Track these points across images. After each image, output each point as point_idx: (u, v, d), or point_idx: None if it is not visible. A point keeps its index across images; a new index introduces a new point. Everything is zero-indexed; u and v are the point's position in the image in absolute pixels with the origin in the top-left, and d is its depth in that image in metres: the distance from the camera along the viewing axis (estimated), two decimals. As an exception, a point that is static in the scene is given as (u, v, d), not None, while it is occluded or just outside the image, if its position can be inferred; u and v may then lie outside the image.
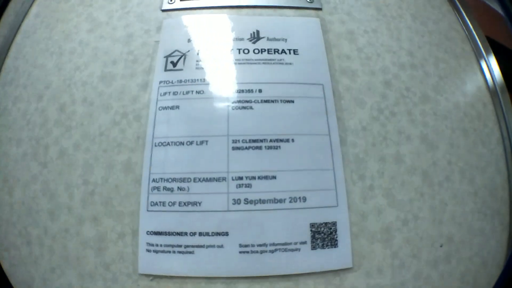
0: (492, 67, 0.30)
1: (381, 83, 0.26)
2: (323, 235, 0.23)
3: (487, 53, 0.31)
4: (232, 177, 0.23)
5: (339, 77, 0.26)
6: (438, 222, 0.24)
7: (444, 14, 0.31)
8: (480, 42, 0.31)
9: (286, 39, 0.27)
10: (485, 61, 0.30)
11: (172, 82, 0.25)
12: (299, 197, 0.23)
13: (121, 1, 0.29)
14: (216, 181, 0.23)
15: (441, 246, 0.24)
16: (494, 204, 0.26)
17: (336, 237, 0.23)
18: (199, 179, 0.23)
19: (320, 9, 0.28)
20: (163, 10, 0.28)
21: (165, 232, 0.23)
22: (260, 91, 0.25)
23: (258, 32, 0.27)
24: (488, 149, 0.27)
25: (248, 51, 0.26)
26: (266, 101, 0.25)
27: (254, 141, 0.24)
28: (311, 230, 0.23)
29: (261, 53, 0.26)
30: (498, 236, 0.26)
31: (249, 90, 0.25)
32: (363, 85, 0.26)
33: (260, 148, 0.24)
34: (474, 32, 0.31)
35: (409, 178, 0.25)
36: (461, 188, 0.25)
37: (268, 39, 0.27)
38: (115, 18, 0.28)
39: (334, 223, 0.23)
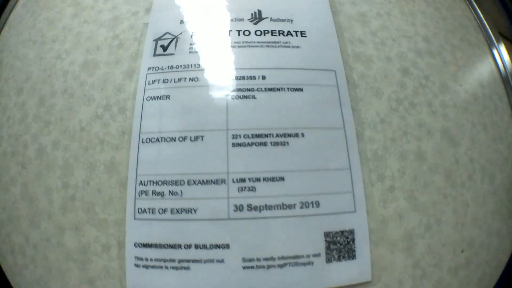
0: (504, 58, 0.23)
1: (399, 71, 0.20)
2: (339, 246, 0.17)
3: (498, 43, 0.24)
4: (233, 179, 0.17)
5: (352, 63, 0.20)
6: (460, 225, 0.20)
7: (455, 0, 0.24)
8: (492, 32, 0.24)
9: (292, 20, 0.20)
10: (498, 51, 0.24)
11: (162, 69, 0.19)
12: (312, 202, 0.17)
13: (108, -17, 0.22)
14: (214, 183, 0.17)
15: (462, 252, 0.20)
16: (510, 203, 0.20)
17: (354, 247, 0.17)
18: (194, 182, 0.17)
19: (328, -12, 0.21)
20: (153, -10, 0.21)
21: (156, 244, 0.17)
22: (263, 77, 0.18)
23: (260, 12, 0.20)
24: (505, 144, 0.22)
25: (249, 33, 0.20)
26: (270, 89, 0.18)
27: (258, 136, 0.17)
28: (325, 240, 0.17)
29: (264, 35, 0.20)
30: (513, 237, 0.20)
31: (251, 76, 0.18)
32: (379, 73, 0.20)
33: (264, 144, 0.17)
34: (484, 21, 0.24)
35: (432, 178, 0.19)
36: (483, 188, 0.21)
37: (271, 19, 0.20)
38: (101, 0, 0.21)
39: (352, 231, 0.17)
